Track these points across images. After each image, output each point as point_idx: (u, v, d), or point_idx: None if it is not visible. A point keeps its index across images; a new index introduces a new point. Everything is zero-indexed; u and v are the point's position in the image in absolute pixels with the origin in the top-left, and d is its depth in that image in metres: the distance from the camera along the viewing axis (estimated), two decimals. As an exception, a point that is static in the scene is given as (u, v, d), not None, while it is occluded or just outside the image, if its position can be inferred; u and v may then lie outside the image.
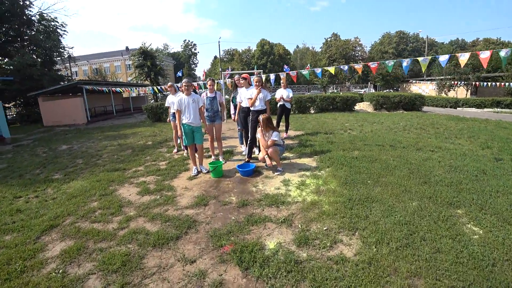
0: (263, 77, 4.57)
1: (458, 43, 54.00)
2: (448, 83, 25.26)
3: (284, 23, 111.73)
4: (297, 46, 61.70)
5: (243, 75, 4.99)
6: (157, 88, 11.88)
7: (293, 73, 5.85)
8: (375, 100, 14.62)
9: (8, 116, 20.04)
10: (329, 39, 49.51)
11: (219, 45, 45.48)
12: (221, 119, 5.13)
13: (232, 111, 5.84)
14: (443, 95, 24.89)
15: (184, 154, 5.72)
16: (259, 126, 4.49)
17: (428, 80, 31.63)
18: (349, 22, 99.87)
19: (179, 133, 4.36)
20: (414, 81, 34.35)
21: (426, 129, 7.98)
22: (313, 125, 8.83)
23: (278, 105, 6.69)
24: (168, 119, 6.20)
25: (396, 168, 4.23)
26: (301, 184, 3.80)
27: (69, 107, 14.10)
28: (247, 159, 4.81)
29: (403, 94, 14.80)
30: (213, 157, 5.16)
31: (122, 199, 3.66)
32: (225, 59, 54.01)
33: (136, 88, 12.84)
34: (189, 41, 65.69)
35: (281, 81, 6.67)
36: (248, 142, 4.81)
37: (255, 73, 4.60)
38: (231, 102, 5.85)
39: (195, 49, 65.16)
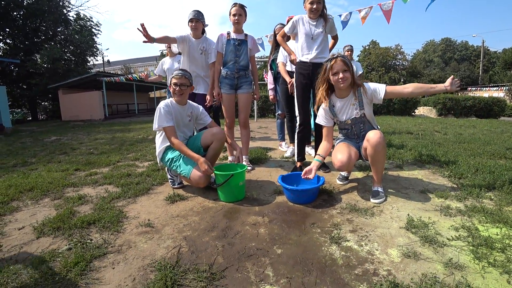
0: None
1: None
2: None
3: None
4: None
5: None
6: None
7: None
8: (441, 103, 11.85)
9: (38, 112, 19.95)
10: (367, 47, 45.81)
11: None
12: (252, 86, 2.67)
13: (270, 85, 3.50)
14: None
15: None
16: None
17: (493, 86, 26.63)
18: (389, 31, 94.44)
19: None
20: (473, 89, 29.05)
21: None
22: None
23: None
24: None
25: None
26: (473, 237, 1.34)
27: (87, 101, 12.95)
28: (298, 164, 2.48)
29: (477, 97, 11.94)
30: (229, 158, 2.78)
31: None
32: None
33: (153, 72, 11.34)
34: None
35: (345, 49, 4.24)
36: (297, 132, 2.43)
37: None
38: (269, 71, 3.49)
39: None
